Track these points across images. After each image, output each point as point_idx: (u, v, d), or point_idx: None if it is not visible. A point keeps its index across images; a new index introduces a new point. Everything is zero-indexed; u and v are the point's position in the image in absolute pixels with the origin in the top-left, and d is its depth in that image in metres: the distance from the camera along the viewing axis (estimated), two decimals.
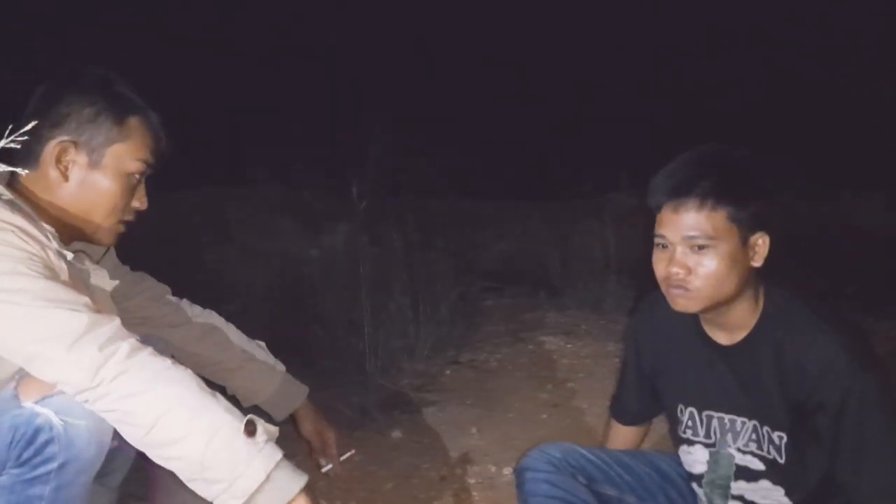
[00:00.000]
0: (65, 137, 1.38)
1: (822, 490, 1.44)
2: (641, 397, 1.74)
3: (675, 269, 1.41)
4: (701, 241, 1.38)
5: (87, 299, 1.26)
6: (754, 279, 1.45)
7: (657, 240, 1.44)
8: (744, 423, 1.50)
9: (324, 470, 1.85)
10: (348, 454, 1.86)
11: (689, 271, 1.40)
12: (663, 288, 1.46)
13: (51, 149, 1.37)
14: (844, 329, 1.40)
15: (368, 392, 2.91)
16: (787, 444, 1.44)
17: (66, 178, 1.38)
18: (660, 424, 1.80)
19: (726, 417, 1.52)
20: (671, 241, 1.41)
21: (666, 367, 1.63)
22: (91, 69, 1.45)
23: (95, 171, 1.40)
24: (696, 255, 1.39)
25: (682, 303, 1.43)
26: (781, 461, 1.45)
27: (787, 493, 1.48)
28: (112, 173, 1.41)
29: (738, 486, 1.52)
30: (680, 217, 1.39)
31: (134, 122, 1.43)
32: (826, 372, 1.36)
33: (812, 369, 1.37)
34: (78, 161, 1.39)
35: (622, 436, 1.82)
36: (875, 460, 1.36)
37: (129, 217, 1.47)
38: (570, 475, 1.62)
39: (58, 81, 1.43)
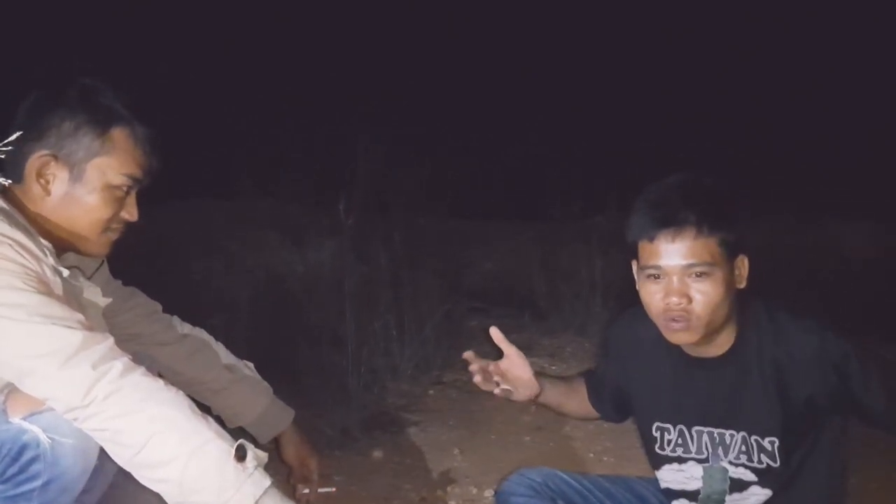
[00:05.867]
0: (45, 152, 1.36)
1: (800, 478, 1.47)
2: (608, 406, 1.75)
3: (675, 299, 1.40)
4: (700, 269, 1.40)
5: (81, 316, 1.26)
6: (736, 301, 1.47)
7: (649, 272, 1.44)
8: (732, 435, 1.51)
9: (300, 493, 1.82)
10: (328, 489, 1.79)
11: (690, 300, 1.41)
12: (660, 321, 1.46)
13: (31, 163, 1.35)
14: (813, 316, 1.45)
15: (350, 411, 2.90)
16: (779, 447, 1.46)
17: (48, 192, 1.37)
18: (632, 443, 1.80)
19: (715, 431, 1.53)
20: (667, 272, 1.41)
21: (641, 385, 1.63)
22: (79, 79, 1.42)
23: (78, 186, 1.37)
24: (696, 283, 1.41)
25: (683, 336, 1.44)
26: (775, 465, 1.47)
27: (776, 494, 1.49)
28: (95, 187, 1.38)
29: (731, 498, 1.53)
30: (677, 246, 1.40)
31: (117, 134, 1.39)
32: (817, 352, 1.40)
33: (801, 356, 1.41)
34: (59, 175, 1.37)
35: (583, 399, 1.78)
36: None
37: (119, 227, 1.44)
38: (550, 500, 1.62)
39: (43, 93, 1.41)
